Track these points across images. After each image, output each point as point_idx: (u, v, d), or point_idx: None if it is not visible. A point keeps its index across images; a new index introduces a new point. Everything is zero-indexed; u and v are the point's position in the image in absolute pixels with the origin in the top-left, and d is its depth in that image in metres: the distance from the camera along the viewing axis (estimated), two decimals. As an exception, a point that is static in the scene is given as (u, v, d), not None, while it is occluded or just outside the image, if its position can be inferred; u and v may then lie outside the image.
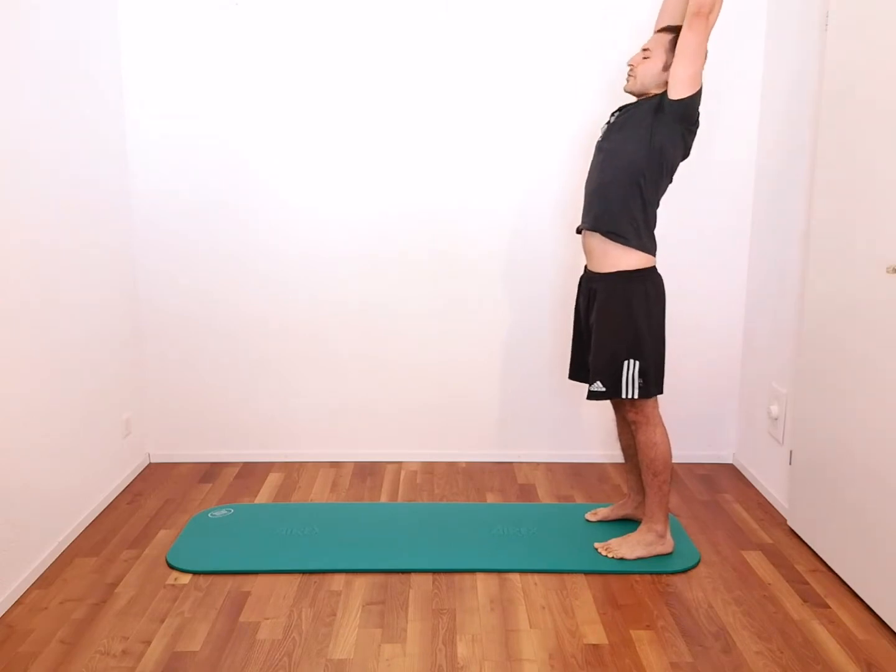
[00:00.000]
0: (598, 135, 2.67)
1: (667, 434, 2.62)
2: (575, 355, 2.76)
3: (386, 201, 3.36)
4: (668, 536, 2.64)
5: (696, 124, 2.51)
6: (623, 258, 2.51)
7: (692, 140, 2.53)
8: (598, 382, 2.55)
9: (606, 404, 3.48)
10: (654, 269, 2.56)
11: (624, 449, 2.84)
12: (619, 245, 2.50)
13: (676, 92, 2.41)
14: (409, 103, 3.28)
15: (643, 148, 2.45)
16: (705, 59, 2.45)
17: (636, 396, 2.53)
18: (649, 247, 2.54)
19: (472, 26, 3.23)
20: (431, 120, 3.30)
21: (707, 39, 2.43)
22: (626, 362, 2.51)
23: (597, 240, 2.54)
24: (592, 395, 2.58)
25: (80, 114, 2.90)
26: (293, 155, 3.32)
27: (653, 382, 2.55)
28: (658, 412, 2.62)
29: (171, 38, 3.23)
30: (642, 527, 2.65)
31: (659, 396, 3.49)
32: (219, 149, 3.30)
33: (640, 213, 2.50)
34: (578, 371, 2.76)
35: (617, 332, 2.53)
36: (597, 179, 2.55)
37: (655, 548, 2.62)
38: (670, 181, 2.57)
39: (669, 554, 2.64)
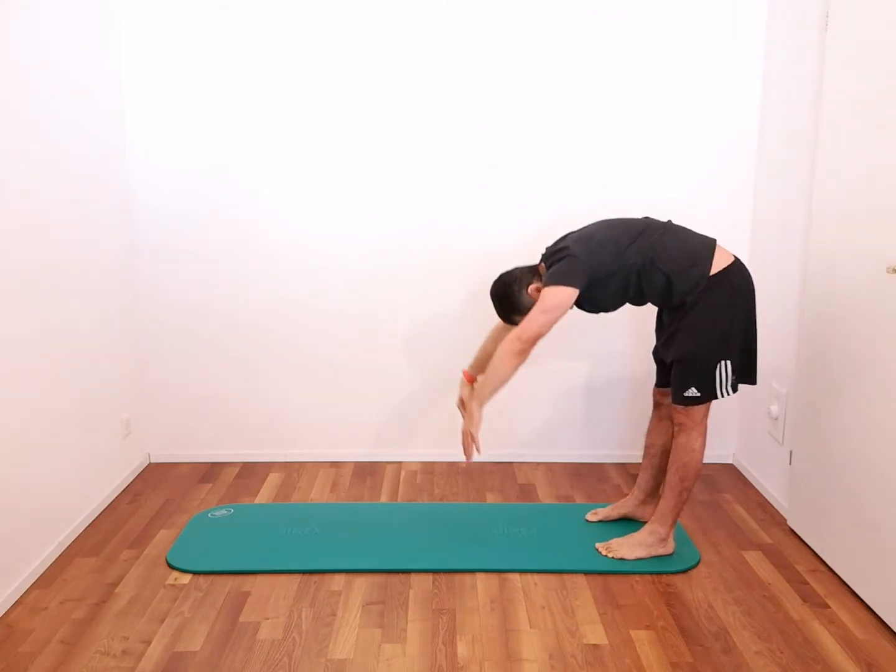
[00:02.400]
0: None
1: (705, 445, 2.56)
2: (659, 364, 2.72)
3: (386, 207, 3.35)
4: (671, 540, 2.64)
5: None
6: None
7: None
8: (693, 388, 2.47)
9: (604, 402, 3.50)
10: (730, 266, 2.45)
11: (647, 446, 2.80)
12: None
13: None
14: (410, 113, 3.28)
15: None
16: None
17: (731, 393, 2.48)
18: (707, 258, 2.45)
19: (471, 42, 3.22)
20: (432, 133, 3.29)
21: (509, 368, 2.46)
22: (718, 365, 2.44)
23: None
24: (686, 401, 2.48)
25: (80, 115, 2.90)
26: (291, 163, 3.31)
27: (745, 376, 2.52)
28: (706, 421, 2.55)
29: (169, 46, 3.23)
30: (647, 527, 2.64)
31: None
32: (218, 154, 3.30)
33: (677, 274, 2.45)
34: (665, 379, 2.67)
35: (705, 336, 2.45)
36: None
37: (656, 549, 2.61)
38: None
39: (670, 555, 2.64)
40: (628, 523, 2.83)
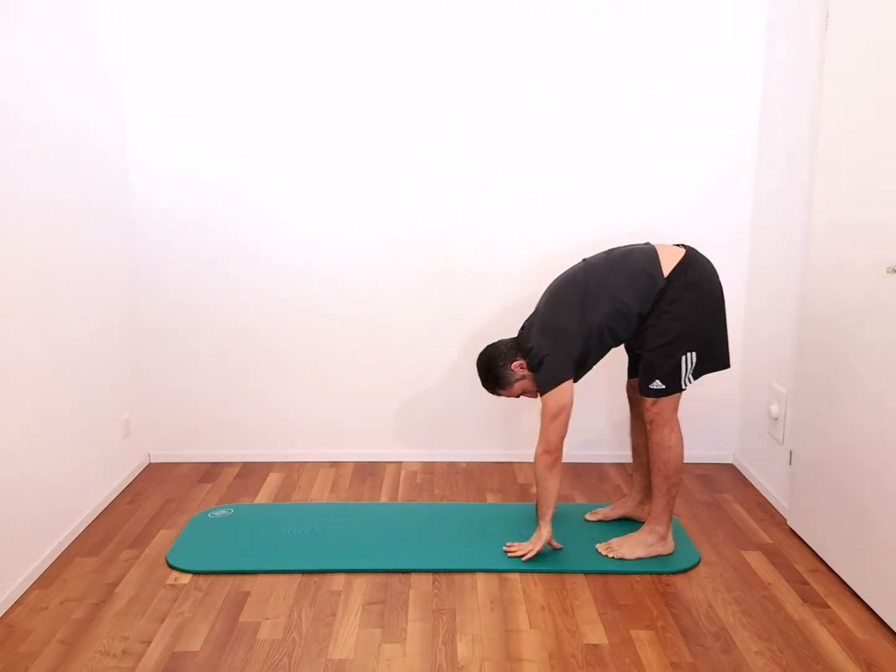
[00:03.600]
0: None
1: (682, 439, 2.59)
2: (630, 355, 2.79)
3: (386, 208, 3.36)
4: (670, 538, 2.64)
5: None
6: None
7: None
8: (657, 381, 2.52)
9: (604, 403, 3.50)
10: (681, 263, 2.50)
11: (634, 447, 2.84)
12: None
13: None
14: (410, 113, 3.28)
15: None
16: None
17: (691, 381, 2.53)
18: (657, 271, 2.50)
19: (470, 43, 3.23)
20: (432, 133, 3.30)
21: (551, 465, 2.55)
22: (683, 357, 2.50)
23: None
24: (651, 392, 2.55)
25: (80, 116, 2.90)
26: (291, 164, 3.32)
27: (711, 360, 2.57)
28: (676, 416, 2.59)
29: (169, 47, 3.23)
30: (645, 527, 2.65)
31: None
32: (218, 155, 3.31)
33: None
34: (636, 370, 2.74)
35: (671, 330, 2.49)
36: None
37: (656, 548, 2.62)
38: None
39: (669, 554, 2.64)
40: (628, 523, 2.83)
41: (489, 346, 2.71)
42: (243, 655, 2.14)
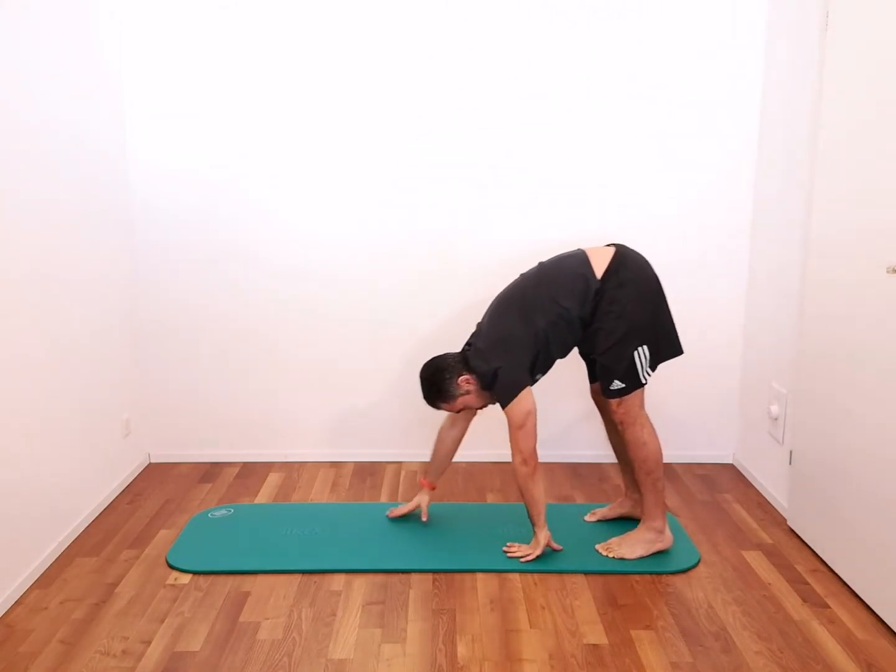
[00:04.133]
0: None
1: (655, 432, 2.61)
2: (587, 361, 2.81)
3: (386, 208, 3.36)
4: (667, 532, 2.64)
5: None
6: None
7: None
8: (616, 381, 2.54)
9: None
10: (612, 263, 2.52)
11: (615, 448, 2.86)
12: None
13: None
14: (410, 113, 3.28)
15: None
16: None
17: (650, 374, 2.55)
18: (590, 274, 2.52)
19: (470, 43, 3.23)
20: (432, 133, 3.30)
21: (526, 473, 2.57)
22: (635, 353, 2.51)
23: None
24: (614, 393, 2.56)
25: (80, 116, 2.90)
26: (291, 164, 3.32)
27: (662, 350, 2.59)
28: (644, 411, 2.61)
29: (169, 47, 3.23)
30: (641, 525, 2.65)
31: (659, 395, 3.51)
32: (218, 155, 3.31)
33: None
34: (595, 377, 2.77)
35: (618, 330, 2.52)
36: None
37: (655, 545, 2.62)
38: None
39: (669, 549, 2.64)
40: (628, 522, 2.83)
41: (436, 358, 2.70)
42: (243, 655, 2.14)
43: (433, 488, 2.91)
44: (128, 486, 3.29)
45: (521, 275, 2.70)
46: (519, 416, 2.49)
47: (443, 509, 3.03)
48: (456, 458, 3.53)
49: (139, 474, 3.41)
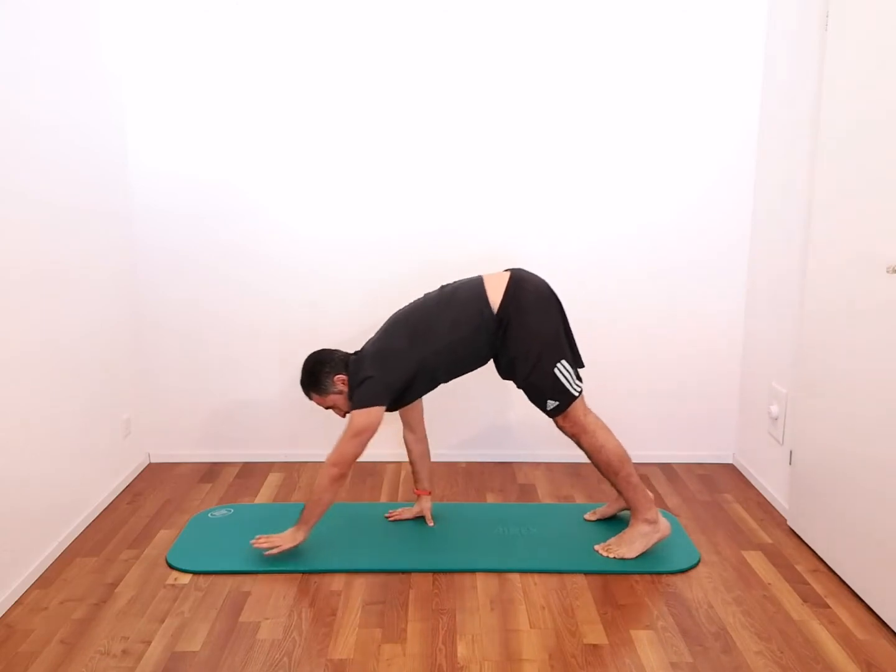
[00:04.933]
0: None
1: (608, 431, 2.60)
2: None
3: (386, 211, 3.36)
4: (661, 520, 2.63)
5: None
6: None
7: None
8: (549, 401, 2.56)
9: (602, 403, 3.50)
10: (507, 289, 2.53)
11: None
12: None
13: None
14: (409, 117, 3.28)
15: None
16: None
17: (580, 385, 2.57)
18: (484, 304, 2.54)
19: (466, 46, 3.23)
20: (432, 136, 3.30)
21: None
22: (555, 371, 2.52)
23: None
24: (553, 413, 2.58)
25: (81, 119, 2.90)
26: (290, 167, 3.32)
27: (575, 359, 2.61)
28: (590, 416, 2.60)
29: (169, 49, 3.23)
30: (633, 521, 2.64)
31: (658, 395, 3.52)
32: (218, 157, 3.31)
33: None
34: None
35: (532, 355, 2.53)
36: None
37: (652, 537, 2.61)
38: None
39: (668, 542, 2.62)
40: (628, 519, 2.82)
41: (323, 351, 2.72)
42: (243, 655, 2.14)
43: (429, 493, 2.93)
44: (128, 486, 3.29)
45: (425, 295, 2.71)
46: (359, 425, 2.50)
47: (443, 509, 3.03)
48: (456, 459, 3.56)
49: (139, 474, 3.41)
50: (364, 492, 3.24)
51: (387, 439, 3.55)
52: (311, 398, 2.72)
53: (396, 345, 2.58)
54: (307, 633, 2.24)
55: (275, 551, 2.56)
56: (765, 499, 3.16)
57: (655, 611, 2.35)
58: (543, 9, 3.20)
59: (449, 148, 3.31)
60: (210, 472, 3.44)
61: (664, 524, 2.63)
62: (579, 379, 2.59)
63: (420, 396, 2.71)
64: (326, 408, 2.72)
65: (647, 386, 3.50)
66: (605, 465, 2.59)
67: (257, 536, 2.62)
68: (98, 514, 3.00)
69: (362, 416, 2.51)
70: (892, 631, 2.23)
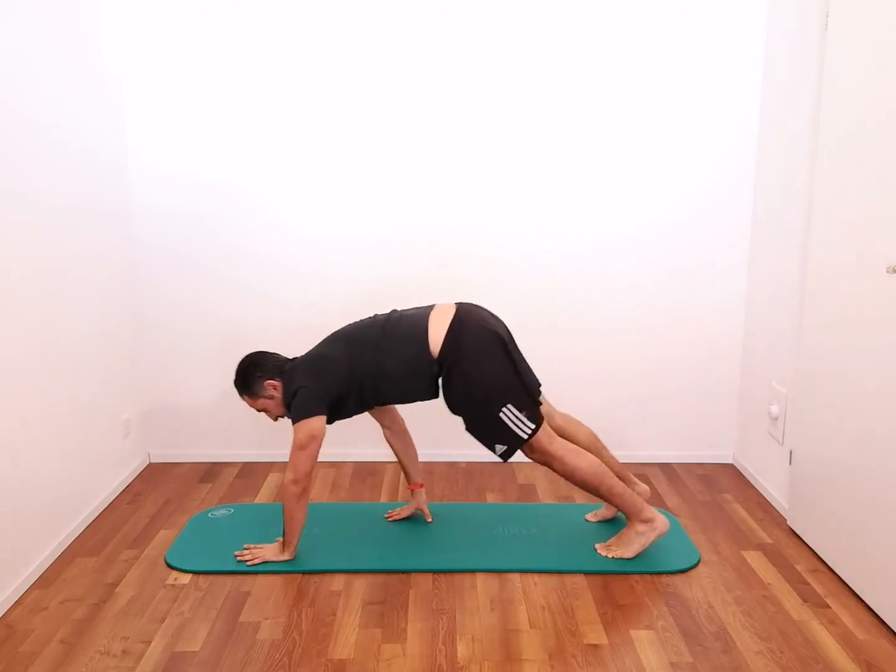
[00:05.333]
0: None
1: (577, 453, 2.56)
2: None
3: (386, 211, 3.36)
4: (658, 517, 2.60)
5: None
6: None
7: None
8: (497, 445, 2.54)
9: (601, 403, 3.50)
10: (450, 329, 2.50)
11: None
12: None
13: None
14: (410, 117, 3.28)
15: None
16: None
17: (534, 427, 2.51)
18: (423, 347, 2.51)
19: (466, 47, 3.23)
20: (431, 137, 3.30)
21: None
22: (501, 415, 2.49)
23: None
24: (505, 457, 2.56)
25: (80, 119, 2.90)
26: (290, 167, 3.32)
27: (534, 409, 2.53)
28: (556, 443, 2.56)
29: (169, 49, 3.23)
30: (629, 522, 2.63)
31: (658, 395, 3.52)
32: (218, 157, 3.31)
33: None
34: None
35: (475, 400, 2.52)
36: None
37: (649, 535, 2.60)
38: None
39: (667, 536, 2.61)
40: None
41: (259, 353, 2.72)
42: (243, 655, 2.14)
43: (421, 486, 2.93)
44: (128, 486, 3.29)
45: (374, 315, 2.71)
46: (304, 437, 2.49)
47: (443, 509, 3.03)
48: (456, 458, 3.56)
49: (139, 474, 3.41)
50: (364, 492, 3.24)
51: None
52: (241, 398, 2.71)
53: (333, 355, 2.58)
54: (307, 633, 2.24)
55: (256, 560, 2.58)
56: (765, 499, 3.16)
57: (655, 611, 2.35)
58: (544, 9, 3.21)
59: (449, 148, 3.31)
60: (210, 472, 3.44)
61: (661, 521, 2.61)
62: (531, 419, 2.50)
63: (352, 415, 2.69)
64: (258, 410, 2.71)
65: (647, 386, 3.50)
66: (582, 485, 2.57)
67: (244, 546, 2.64)
68: (98, 514, 3.00)
69: (303, 428, 2.50)
70: (892, 631, 2.23)
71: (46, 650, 2.16)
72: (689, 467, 3.50)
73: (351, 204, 3.36)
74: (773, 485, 3.12)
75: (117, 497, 3.17)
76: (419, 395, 2.63)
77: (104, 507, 3.06)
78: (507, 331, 2.63)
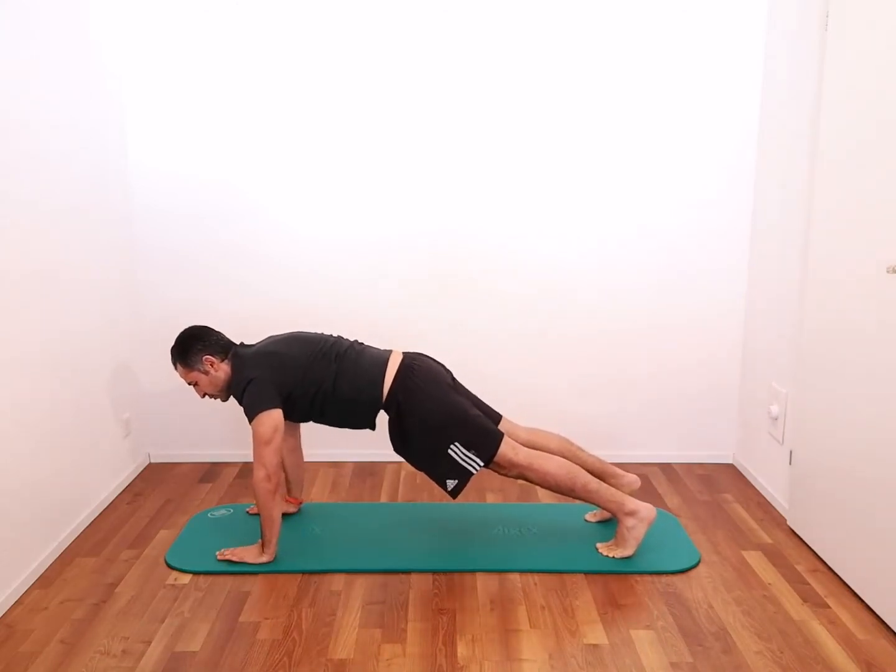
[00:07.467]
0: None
1: (544, 457, 2.56)
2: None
3: (386, 211, 3.36)
4: (640, 505, 2.58)
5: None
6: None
7: None
8: (447, 481, 2.55)
9: (601, 403, 3.50)
10: (397, 376, 2.56)
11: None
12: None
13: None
14: (409, 118, 3.28)
15: None
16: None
17: (483, 464, 2.52)
18: (378, 385, 2.57)
19: (465, 47, 3.22)
20: (431, 137, 3.30)
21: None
22: (449, 453, 2.50)
23: None
24: (456, 491, 2.56)
25: (80, 119, 2.90)
26: (290, 167, 3.32)
27: (483, 443, 2.53)
28: (521, 453, 2.54)
29: (169, 50, 3.23)
30: (618, 521, 2.62)
31: (658, 396, 3.52)
32: (218, 158, 3.31)
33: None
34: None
35: (421, 441, 2.55)
36: None
37: (640, 528, 2.58)
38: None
39: (655, 518, 2.60)
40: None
41: (205, 327, 2.70)
42: (243, 655, 2.14)
43: (299, 503, 2.96)
44: (128, 486, 3.29)
45: (338, 336, 2.73)
46: (268, 431, 2.46)
47: (443, 509, 3.03)
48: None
49: (139, 474, 3.41)
50: (364, 492, 3.24)
51: (387, 439, 3.55)
52: (175, 368, 2.68)
53: (292, 354, 2.57)
54: (307, 633, 2.24)
55: (234, 558, 2.57)
56: (765, 499, 3.16)
57: (655, 611, 2.35)
58: (544, 9, 3.20)
59: (450, 148, 3.31)
60: (210, 472, 3.44)
61: (646, 509, 2.59)
62: (480, 456, 2.51)
63: (298, 421, 2.69)
64: (188, 383, 2.67)
65: (647, 386, 3.50)
66: (557, 488, 2.57)
67: (222, 550, 2.63)
68: (98, 514, 3.00)
69: (265, 421, 2.48)
70: (892, 631, 2.23)
71: (46, 650, 2.16)
72: (689, 467, 3.50)
73: (351, 204, 3.36)
74: (773, 485, 3.12)
75: (117, 497, 3.17)
76: (358, 423, 2.66)
77: (104, 507, 3.06)
78: (451, 375, 2.70)
